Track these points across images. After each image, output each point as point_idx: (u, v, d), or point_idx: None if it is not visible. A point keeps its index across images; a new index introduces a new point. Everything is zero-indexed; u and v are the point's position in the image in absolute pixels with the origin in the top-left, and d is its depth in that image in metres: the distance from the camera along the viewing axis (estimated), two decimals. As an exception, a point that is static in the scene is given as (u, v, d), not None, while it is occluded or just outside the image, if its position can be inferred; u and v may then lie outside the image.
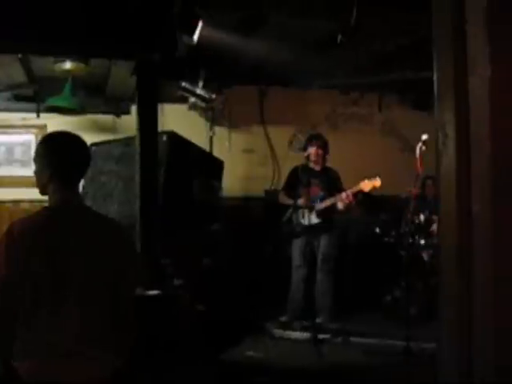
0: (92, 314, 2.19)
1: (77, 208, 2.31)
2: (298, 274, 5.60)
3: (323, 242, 5.06)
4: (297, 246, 5.63)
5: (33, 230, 2.20)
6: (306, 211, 5.54)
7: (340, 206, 5.43)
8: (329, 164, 5.82)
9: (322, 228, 5.35)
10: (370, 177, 5.34)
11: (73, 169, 2.33)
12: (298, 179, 5.69)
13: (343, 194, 5.32)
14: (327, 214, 5.45)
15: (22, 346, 2.13)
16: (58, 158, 2.31)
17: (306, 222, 5.54)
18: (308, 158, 5.72)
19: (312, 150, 5.65)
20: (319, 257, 5.14)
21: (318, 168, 5.66)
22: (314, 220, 5.49)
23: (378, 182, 5.31)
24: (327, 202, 5.36)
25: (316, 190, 5.59)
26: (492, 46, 1.21)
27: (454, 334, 1.33)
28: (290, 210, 5.67)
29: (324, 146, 5.68)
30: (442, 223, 1.43)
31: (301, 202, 5.54)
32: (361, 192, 5.37)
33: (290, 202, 5.66)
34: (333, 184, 5.43)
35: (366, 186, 5.32)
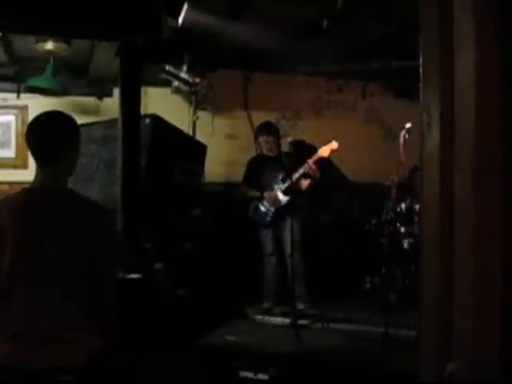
0: (69, 297, 2.16)
1: (54, 190, 2.27)
2: (270, 262, 5.63)
3: (292, 227, 5.06)
4: (267, 234, 5.66)
5: (9, 211, 2.18)
6: (272, 202, 5.57)
7: (305, 183, 5.46)
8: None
9: (290, 210, 5.34)
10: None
11: (45, 149, 2.27)
12: (256, 168, 5.82)
13: (305, 165, 5.35)
14: (294, 194, 5.45)
15: (-1, 328, 2.12)
16: (30, 138, 2.28)
17: (274, 206, 5.57)
18: (261, 147, 5.86)
19: (262, 139, 5.76)
20: (289, 242, 5.14)
21: (273, 154, 5.71)
22: (283, 199, 5.51)
23: (334, 145, 5.37)
24: (292, 178, 5.35)
25: (275, 174, 5.62)
26: (478, 32, 1.21)
27: (434, 320, 1.34)
28: (256, 200, 5.69)
29: (273, 133, 5.75)
30: (424, 206, 1.44)
31: (267, 195, 5.60)
32: (321, 158, 5.39)
33: (254, 193, 5.70)
34: (293, 164, 5.42)
35: (325, 151, 5.37)
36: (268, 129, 5.79)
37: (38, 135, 2.28)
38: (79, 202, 2.33)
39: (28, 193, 2.26)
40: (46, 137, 2.27)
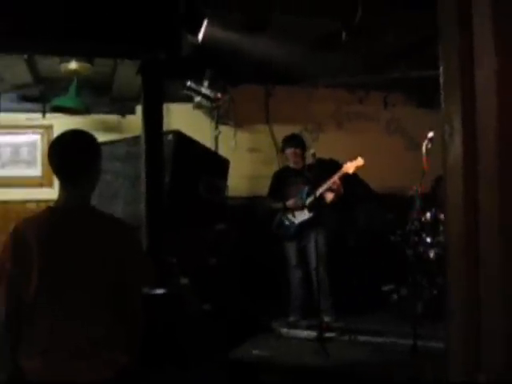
0: (96, 313, 2.18)
1: (78, 208, 2.29)
2: (295, 275, 5.61)
3: (317, 240, 5.04)
4: (291, 247, 5.64)
5: (34, 230, 2.20)
6: (296, 210, 5.56)
7: (329, 197, 5.43)
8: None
9: (314, 224, 5.32)
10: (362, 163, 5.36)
11: (67, 168, 2.29)
12: (281, 182, 5.81)
13: (329, 181, 5.34)
14: (318, 207, 5.43)
15: (27, 345, 2.14)
16: (53, 158, 2.30)
17: (298, 219, 5.56)
18: (287, 159, 5.84)
19: (290, 151, 5.75)
20: (314, 255, 5.12)
21: (298, 167, 5.70)
22: (306, 215, 5.51)
23: (360, 162, 5.33)
24: (316, 193, 5.33)
25: (301, 188, 5.61)
26: (498, 38, 1.20)
27: (463, 329, 1.32)
28: (280, 213, 5.68)
29: (300, 145, 5.74)
30: (448, 216, 1.42)
31: (289, 203, 5.59)
32: (346, 174, 5.36)
33: (278, 205, 5.70)
34: (319, 177, 5.40)
35: (350, 167, 5.34)
36: (296, 141, 5.80)
37: (60, 154, 2.31)
38: (103, 220, 2.35)
39: (52, 211, 2.29)
40: (68, 155, 2.30)
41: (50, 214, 2.28)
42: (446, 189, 1.41)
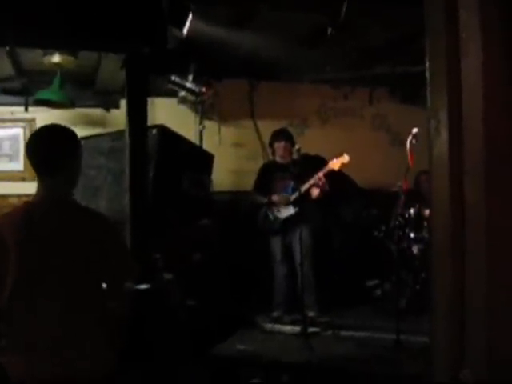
0: (76, 311, 2.16)
1: (57, 202, 2.27)
2: (280, 270, 5.61)
3: (302, 235, 5.05)
4: (276, 242, 5.64)
5: (12, 226, 2.18)
6: (282, 205, 5.56)
7: (314, 193, 5.44)
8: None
9: (299, 219, 5.33)
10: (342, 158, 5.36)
11: (44, 162, 2.27)
12: (267, 176, 5.79)
13: (315, 177, 5.34)
14: (303, 203, 5.43)
15: (7, 342, 2.11)
16: (30, 151, 2.30)
17: (283, 214, 5.57)
18: (274, 153, 5.83)
19: (280, 145, 5.73)
20: (299, 251, 5.13)
21: (285, 161, 5.70)
22: (291, 211, 5.51)
23: (345, 158, 5.34)
24: (301, 189, 5.33)
25: (287, 183, 5.61)
26: (485, 31, 1.20)
27: (447, 324, 1.33)
28: (265, 208, 5.68)
29: (290, 139, 5.74)
30: (434, 210, 1.42)
31: (275, 198, 5.59)
32: (331, 171, 5.37)
33: (263, 200, 5.69)
34: (304, 173, 5.41)
35: (335, 164, 5.34)
36: (286, 135, 5.78)
37: (37, 149, 2.29)
38: (83, 214, 2.33)
39: (30, 206, 2.27)
40: (45, 150, 2.28)
41: (28, 209, 2.25)
42: (431, 183, 1.41)
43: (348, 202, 6.76)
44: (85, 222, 2.29)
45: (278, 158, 5.79)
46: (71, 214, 2.29)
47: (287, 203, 5.55)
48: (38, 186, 2.28)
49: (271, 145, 5.87)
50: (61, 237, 2.19)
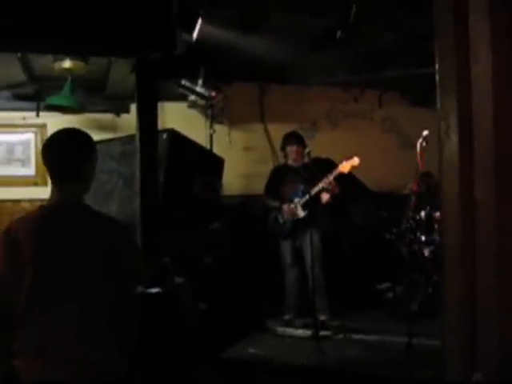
0: (89, 313, 2.15)
1: (71, 206, 2.27)
2: (291, 273, 5.59)
3: (312, 238, 5.03)
4: (286, 245, 5.63)
5: (27, 230, 2.18)
6: (290, 217, 5.55)
7: (324, 198, 5.43)
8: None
9: (309, 222, 5.32)
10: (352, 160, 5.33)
11: (61, 166, 2.27)
12: (278, 179, 5.77)
13: (324, 181, 5.33)
14: (313, 206, 5.41)
15: (20, 346, 2.12)
16: (47, 155, 2.29)
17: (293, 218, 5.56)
18: (286, 156, 5.80)
19: (292, 149, 5.71)
20: (309, 254, 5.11)
21: (297, 164, 5.69)
22: (302, 214, 5.50)
23: (355, 161, 5.30)
24: (311, 192, 5.31)
25: (297, 186, 5.60)
26: (494, 34, 1.19)
27: (458, 326, 1.32)
28: (275, 211, 5.67)
29: (302, 143, 5.73)
30: (445, 212, 1.42)
31: (285, 208, 5.56)
32: (341, 174, 5.34)
33: (274, 204, 5.67)
34: (314, 176, 5.39)
35: (345, 167, 5.31)
36: (298, 138, 5.76)
37: (54, 152, 2.28)
38: (97, 218, 2.32)
39: (45, 211, 2.26)
40: (62, 153, 2.28)
41: (43, 214, 2.25)
42: (441, 185, 1.41)
43: (358, 204, 6.74)
44: (99, 226, 2.29)
45: (290, 162, 5.78)
46: (85, 218, 2.29)
47: (294, 215, 5.53)
48: (53, 190, 2.28)
49: (283, 148, 5.84)
50: (75, 241, 2.19)
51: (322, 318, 5.24)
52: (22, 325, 2.12)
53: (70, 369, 2.08)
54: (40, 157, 2.36)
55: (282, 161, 6.06)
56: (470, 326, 1.30)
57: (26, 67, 5.61)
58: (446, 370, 1.42)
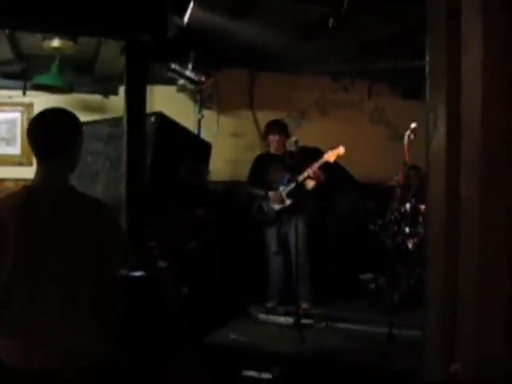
0: (72, 295, 2.15)
1: (56, 187, 2.25)
2: (275, 261, 5.61)
3: (297, 226, 5.04)
4: (271, 233, 5.64)
5: (10, 209, 2.16)
6: (276, 203, 5.56)
7: (310, 184, 5.44)
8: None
9: (294, 210, 5.33)
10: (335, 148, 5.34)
11: (47, 146, 2.25)
12: (262, 167, 5.76)
13: (309, 169, 5.33)
14: (298, 194, 5.42)
15: (3, 327, 2.11)
16: (32, 134, 2.27)
17: (277, 206, 5.56)
18: (269, 145, 5.81)
19: (274, 138, 5.71)
20: (294, 242, 5.13)
21: (279, 153, 5.69)
22: (287, 202, 5.50)
23: (341, 150, 5.31)
24: (296, 181, 5.32)
25: (283, 174, 5.60)
26: (486, 29, 1.20)
27: (439, 319, 1.33)
28: (260, 199, 5.67)
29: (284, 132, 5.73)
30: (430, 204, 1.43)
31: (271, 195, 5.56)
32: (327, 163, 5.35)
33: (259, 192, 5.67)
34: (300, 165, 5.40)
35: (330, 156, 5.32)
36: (279, 128, 5.75)
37: (40, 131, 2.26)
38: (82, 200, 2.30)
39: (29, 191, 2.24)
40: (48, 132, 2.26)
41: (27, 194, 2.22)
42: (428, 177, 1.41)
43: (344, 194, 6.77)
44: (83, 207, 2.27)
45: (272, 150, 5.78)
46: (70, 199, 2.27)
47: (281, 202, 5.53)
48: (37, 169, 2.26)
49: (265, 137, 5.86)
50: (59, 222, 2.17)
51: (305, 305, 5.27)
52: (4, 307, 2.10)
53: (53, 350, 2.08)
54: (26, 136, 2.33)
55: (266, 148, 6.03)
56: (451, 319, 1.32)
57: (14, 45, 5.54)
58: (425, 360, 1.44)
